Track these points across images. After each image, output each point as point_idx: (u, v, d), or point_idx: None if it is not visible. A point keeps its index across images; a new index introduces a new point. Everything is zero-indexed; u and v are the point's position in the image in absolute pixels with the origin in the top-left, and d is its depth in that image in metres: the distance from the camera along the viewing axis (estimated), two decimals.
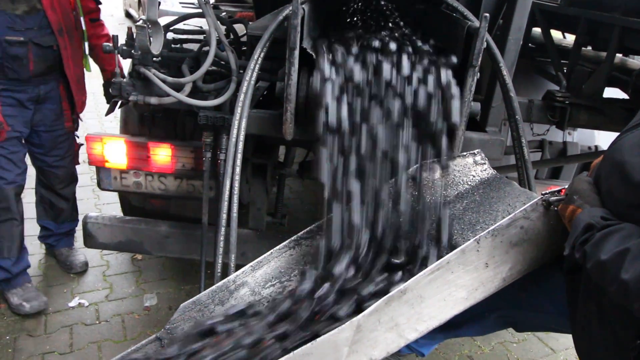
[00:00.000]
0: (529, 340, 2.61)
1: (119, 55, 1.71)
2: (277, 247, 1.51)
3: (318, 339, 1.05)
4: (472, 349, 2.51)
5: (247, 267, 1.47)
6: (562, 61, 2.36)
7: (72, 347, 2.28)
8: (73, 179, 2.62)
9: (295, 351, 1.05)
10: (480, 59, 1.46)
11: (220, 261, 1.57)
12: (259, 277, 1.49)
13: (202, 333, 1.34)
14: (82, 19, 2.33)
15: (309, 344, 1.05)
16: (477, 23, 1.50)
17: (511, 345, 2.57)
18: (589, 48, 2.52)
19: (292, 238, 1.52)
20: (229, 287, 1.46)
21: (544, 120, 2.11)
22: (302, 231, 1.53)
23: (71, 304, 2.53)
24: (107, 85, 2.52)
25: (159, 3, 1.63)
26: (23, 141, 2.31)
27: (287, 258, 1.52)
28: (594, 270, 0.86)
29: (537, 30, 2.81)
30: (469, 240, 1.33)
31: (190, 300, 1.44)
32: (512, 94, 1.60)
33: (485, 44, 1.46)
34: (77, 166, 2.65)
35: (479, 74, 1.49)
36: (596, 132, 2.68)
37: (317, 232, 1.53)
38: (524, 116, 1.97)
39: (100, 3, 2.40)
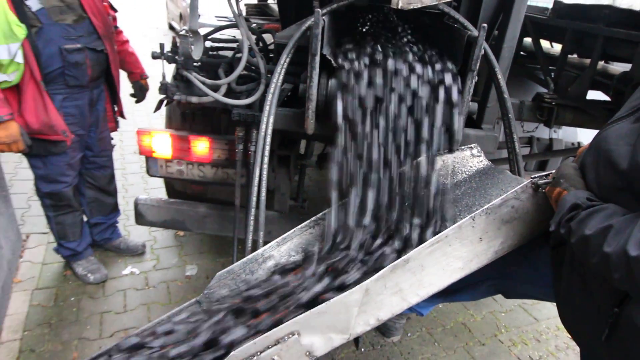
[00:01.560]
0: (515, 310, 2.60)
1: (164, 61, 1.70)
2: (299, 226, 1.51)
3: (331, 300, 1.06)
4: (465, 317, 2.50)
5: (273, 243, 1.48)
6: (550, 67, 2.30)
7: (126, 307, 2.33)
8: (114, 175, 2.58)
9: (312, 309, 1.06)
10: (478, 65, 1.43)
11: (250, 238, 1.58)
12: (283, 251, 1.50)
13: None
14: None
15: (324, 304, 1.06)
16: (476, 32, 1.47)
17: (500, 315, 2.55)
18: (574, 56, 2.46)
19: (312, 219, 1.52)
20: (258, 260, 1.47)
21: (534, 119, 2.07)
22: (320, 213, 1.52)
23: (125, 272, 2.57)
24: (136, 86, 2.50)
25: (199, 16, 1.62)
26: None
27: (307, 236, 1.52)
28: (578, 245, 0.85)
29: (527, 40, 2.76)
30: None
31: (225, 269, 1.45)
32: (506, 96, 1.57)
33: (482, 51, 1.43)
34: (128, 155, 2.66)
35: (476, 77, 1.47)
36: (579, 129, 2.63)
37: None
38: (516, 115, 1.94)
39: (116, 11, 2.33)
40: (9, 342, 2.04)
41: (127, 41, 2.40)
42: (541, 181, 1.09)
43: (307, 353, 1.09)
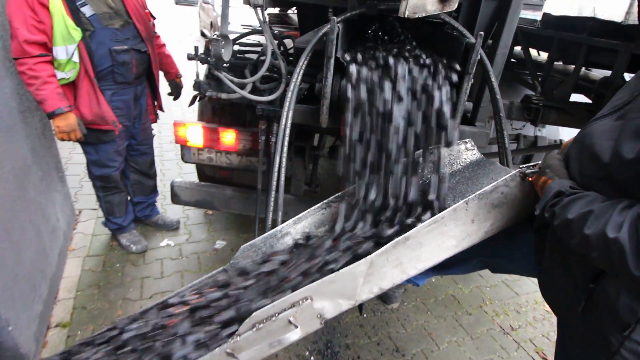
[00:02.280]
0: (498, 286, 2.59)
1: (198, 62, 1.70)
2: (313, 207, 1.50)
3: (341, 270, 1.06)
4: (454, 290, 2.50)
5: (290, 221, 1.48)
6: (537, 72, 2.26)
7: (162, 274, 2.37)
8: (154, 161, 2.60)
9: (324, 278, 1.07)
10: (474, 68, 1.41)
11: (270, 217, 1.58)
12: (298, 229, 1.50)
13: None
14: None
15: (334, 274, 1.06)
16: (473, 40, 1.44)
17: (485, 289, 2.55)
18: (560, 62, 2.41)
19: (324, 201, 1.52)
20: (277, 235, 1.47)
21: (521, 118, 2.04)
22: (331, 197, 1.52)
23: (162, 244, 2.61)
24: (172, 84, 2.51)
25: (229, 23, 1.60)
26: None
27: (319, 216, 1.52)
28: (561, 227, 0.84)
29: (517, 48, 2.71)
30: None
31: (248, 243, 1.46)
32: (498, 97, 1.55)
33: (479, 57, 1.40)
34: (165, 144, 2.68)
35: (472, 80, 1.44)
36: (561, 128, 2.59)
37: (343, 197, 1.52)
38: (506, 115, 1.91)
39: (155, 18, 2.31)
40: (65, 300, 2.10)
41: (164, 45, 2.40)
42: (528, 170, 1.08)
43: (319, 315, 1.10)
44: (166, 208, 2.95)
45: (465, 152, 1.53)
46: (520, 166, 1.11)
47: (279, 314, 1.06)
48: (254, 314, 1.05)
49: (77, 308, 2.06)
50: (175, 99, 2.55)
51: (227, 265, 1.47)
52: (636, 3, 1.17)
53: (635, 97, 0.84)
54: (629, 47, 1.77)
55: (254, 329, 1.05)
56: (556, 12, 2.52)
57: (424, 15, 1.32)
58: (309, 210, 1.51)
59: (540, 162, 1.07)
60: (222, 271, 1.48)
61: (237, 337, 1.05)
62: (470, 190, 1.38)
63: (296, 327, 1.07)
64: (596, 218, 0.76)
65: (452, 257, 1.18)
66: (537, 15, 3.65)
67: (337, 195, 1.51)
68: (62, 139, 1.96)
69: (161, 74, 2.42)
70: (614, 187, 0.79)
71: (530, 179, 1.08)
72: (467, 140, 1.53)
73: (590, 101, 2.05)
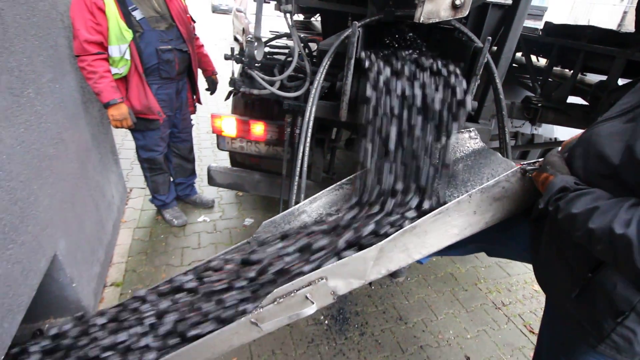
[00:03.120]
0: (492, 267, 2.54)
1: (233, 61, 1.69)
2: (327, 189, 1.48)
3: (354, 255, 1.04)
4: (453, 269, 2.47)
5: (306, 201, 1.46)
6: (537, 76, 2.18)
7: (199, 245, 2.40)
8: (193, 147, 2.60)
9: (338, 261, 1.05)
10: (481, 70, 1.35)
11: (293, 199, 1.58)
12: (314, 207, 1.48)
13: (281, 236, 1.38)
14: None
15: (347, 258, 1.05)
16: (481, 44, 1.39)
17: (480, 269, 2.51)
18: (558, 67, 2.31)
19: (337, 183, 1.49)
20: (294, 213, 1.46)
21: (521, 117, 1.96)
22: (344, 179, 1.50)
23: (199, 220, 2.65)
24: (209, 80, 2.49)
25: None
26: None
27: (332, 196, 1.50)
28: (565, 220, 0.79)
29: (517, 54, 2.61)
30: (462, 193, 1.26)
31: (269, 220, 1.45)
32: (502, 97, 1.49)
33: (485, 59, 1.35)
34: (202, 134, 2.68)
35: (479, 80, 1.39)
36: (555, 127, 2.49)
37: (354, 180, 1.48)
38: (507, 114, 1.84)
39: (195, 22, 2.29)
40: (118, 264, 2.15)
41: (202, 45, 2.39)
42: (529, 167, 1.03)
43: (332, 292, 1.09)
44: (203, 189, 2.98)
45: (469, 140, 1.47)
46: (522, 162, 1.06)
47: (297, 290, 1.05)
48: (276, 290, 1.04)
49: (128, 271, 2.11)
50: (211, 93, 2.55)
51: (251, 238, 1.47)
52: (628, 16, 1.09)
53: None
54: (625, 54, 1.68)
55: (275, 303, 1.04)
56: (555, 22, 2.40)
57: (437, 20, 1.28)
58: (323, 191, 1.48)
59: (540, 159, 1.02)
60: (246, 243, 1.48)
61: (260, 308, 1.05)
62: (472, 180, 1.34)
63: (312, 302, 1.06)
64: (602, 214, 0.72)
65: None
66: (538, 25, 3.50)
67: (348, 178, 1.48)
68: (116, 126, 1.98)
69: (199, 71, 2.42)
70: (619, 185, 0.75)
71: (530, 175, 1.03)
72: (471, 129, 1.46)
73: (586, 103, 1.97)
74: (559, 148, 0.99)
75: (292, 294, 1.05)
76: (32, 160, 1.31)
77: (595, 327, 0.83)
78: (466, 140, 1.46)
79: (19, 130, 1.24)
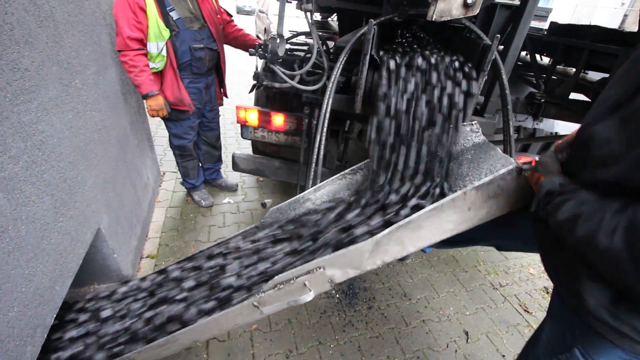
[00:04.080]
0: (491, 250, 2.50)
1: (257, 57, 1.67)
2: (330, 178, 1.44)
3: (350, 247, 1.01)
4: (454, 252, 2.44)
5: (311, 189, 1.42)
6: (541, 74, 2.09)
7: (224, 224, 2.43)
8: (220, 136, 2.60)
9: (335, 253, 1.02)
10: (489, 67, 1.30)
11: (310, 184, 1.56)
12: (318, 195, 1.45)
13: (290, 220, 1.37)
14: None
15: (344, 249, 1.01)
16: (489, 42, 1.33)
17: (480, 252, 2.47)
18: (560, 65, 2.21)
19: (340, 173, 1.45)
20: (299, 200, 1.43)
21: (525, 112, 1.89)
22: (347, 170, 1.45)
23: (224, 201, 2.67)
24: (252, 49, 2.43)
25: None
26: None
27: (336, 185, 1.47)
28: (555, 227, 0.73)
29: (522, 53, 2.51)
30: (459, 187, 1.20)
31: (275, 206, 1.42)
32: (507, 92, 1.43)
33: (494, 56, 1.30)
34: (227, 125, 2.67)
35: (486, 76, 1.34)
36: (555, 122, 2.39)
37: (356, 170, 1.45)
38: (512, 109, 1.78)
39: (231, 15, 2.26)
40: (153, 239, 2.20)
41: (242, 29, 2.32)
42: (524, 166, 0.96)
43: (330, 280, 1.06)
44: (228, 174, 3.00)
45: (471, 133, 1.41)
46: (518, 161, 1.00)
47: (296, 278, 1.03)
48: (276, 277, 1.02)
49: (161, 245, 2.16)
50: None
51: (258, 222, 1.46)
52: (629, 19, 1.00)
53: (632, 96, 0.68)
54: (628, 52, 1.59)
55: (276, 289, 1.03)
56: (560, 22, 2.29)
57: (449, 19, 1.23)
58: (326, 180, 1.45)
59: (537, 158, 0.95)
60: (254, 227, 1.47)
61: (262, 293, 1.04)
62: (470, 174, 1.27)
63: (310, 290, 1.04)
64: (586, 221, 0.64)
65: (454, 236, 1.08)
66: (543, 25, 3.35)
67: (352, 168, 1.45)
68: (152, 116, 2.00)
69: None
70: (615, 182, 0.66)
71: (525, 174, 0.96)
72: (473, 122, 1.39)
73: (588, 99, 1.88)
74: (553, 148, 0.91)
75: (292, 281, 1.03)
76: (79, 144, 1.33)
77: (600, 319, 0.74)
78: (468, 133, 1.40)
79: (68, 116, 1.26)
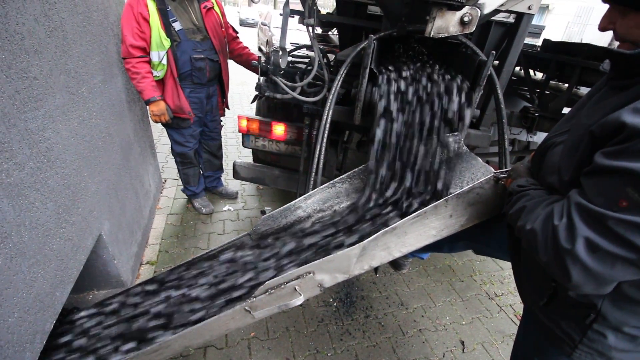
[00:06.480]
0: (487, 260, 2.50)
1: (259, 68, 1.69)
2: (320, 187, 1.45)
3: (338, 252, 1.02)
4: (450, 261, 2.44)
5: (302, 197, 1.43)
6: (535, 89, 2.12)
7: (224, 231, 2.42)
8: (221, 145, 2.61)
9: (323, 258, 1.03)
10: (485, 81, 1.33)
11: (309, 193, 1.56)
12: (309, 203, 1.45)
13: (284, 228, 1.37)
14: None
15: (332, 255, 1.02)
16: (484, 58, 1.36)
17: (475, 262, 2.47)
18: (553, 81, 2.24)
19: (330, 182, 1.45)
20: (290, 208, 1.43)
21: (519, 126, 1.91)
22: (336, 179, 1.46)
23: (224, 209, 2.67)
24: (255, 61, 2.43)
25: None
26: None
27: (326, 193, 1.47)
28: (509, 221, 0.78)
29: (516, 68, 2.55)
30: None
31: (267, 214, 1.42)
32: (502, 106, 1.45)
33: (489, 71, 1.32)
34: (228, 133, 2.68)
35: (482, 91, 1.36)
36: None
37: (345, 179, 1.46)
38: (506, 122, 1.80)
39: (237, 32, 2.30)
40: (153, 245, 2.19)
41: (246, 47, 2.36)
42: (501, 175, 0.99)
43: (319, 285, 1.07)
44: (228, 182, 3.00)
45: (453, 144, 1.42)
46: (495, 171, 1.02)
47: (287, 283, 1.03)
48: (267, 282, 1.03)
49: (161, 251, 2.14)
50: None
51: (251, 230, 1.46)
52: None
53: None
54: None
55: (267, 293, 1.04)
56: (552, 40, 2.34)
57: (446, 35, 1.26)
58: (316, 189, 1.45)
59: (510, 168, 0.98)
60: (246, 235, 1.47)
61: (254, 298, 1.04)
62: (453, 183, 1.29)
63: (300, 294, 1.05)
64: (528, 212, 0.70)
65: (441, 241, 1.11)
66: (536, 42, 3.41)
67: (341, 177, 1.45)
68: (155, 121, 2.02)
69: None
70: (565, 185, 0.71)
71: (502, 182, 1.00)
72: (455, 133, 1.39)
73: None
74: (529, 157, 0.93)
75: (283, 286, 1.03)
76: (84, 151, 1.34)
77: (566, 334, 0.76)
78: (450, 144, 1.42)
79: (74, 124, 1.26)
